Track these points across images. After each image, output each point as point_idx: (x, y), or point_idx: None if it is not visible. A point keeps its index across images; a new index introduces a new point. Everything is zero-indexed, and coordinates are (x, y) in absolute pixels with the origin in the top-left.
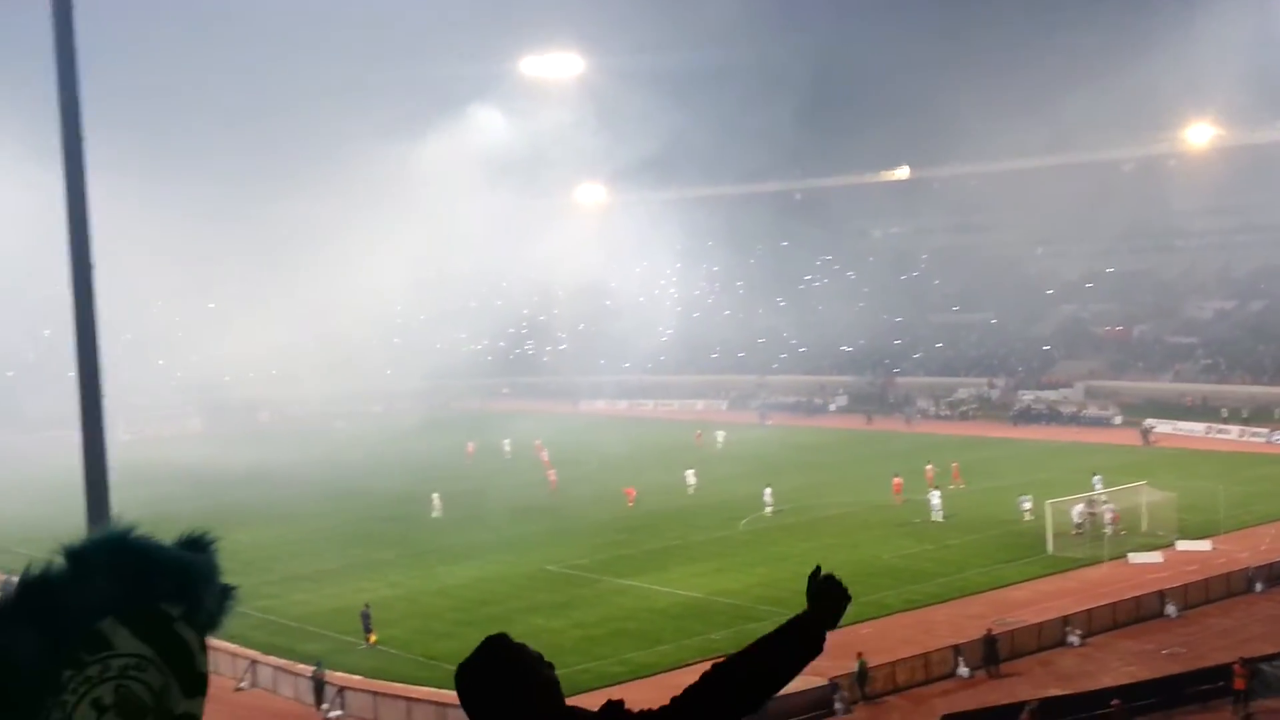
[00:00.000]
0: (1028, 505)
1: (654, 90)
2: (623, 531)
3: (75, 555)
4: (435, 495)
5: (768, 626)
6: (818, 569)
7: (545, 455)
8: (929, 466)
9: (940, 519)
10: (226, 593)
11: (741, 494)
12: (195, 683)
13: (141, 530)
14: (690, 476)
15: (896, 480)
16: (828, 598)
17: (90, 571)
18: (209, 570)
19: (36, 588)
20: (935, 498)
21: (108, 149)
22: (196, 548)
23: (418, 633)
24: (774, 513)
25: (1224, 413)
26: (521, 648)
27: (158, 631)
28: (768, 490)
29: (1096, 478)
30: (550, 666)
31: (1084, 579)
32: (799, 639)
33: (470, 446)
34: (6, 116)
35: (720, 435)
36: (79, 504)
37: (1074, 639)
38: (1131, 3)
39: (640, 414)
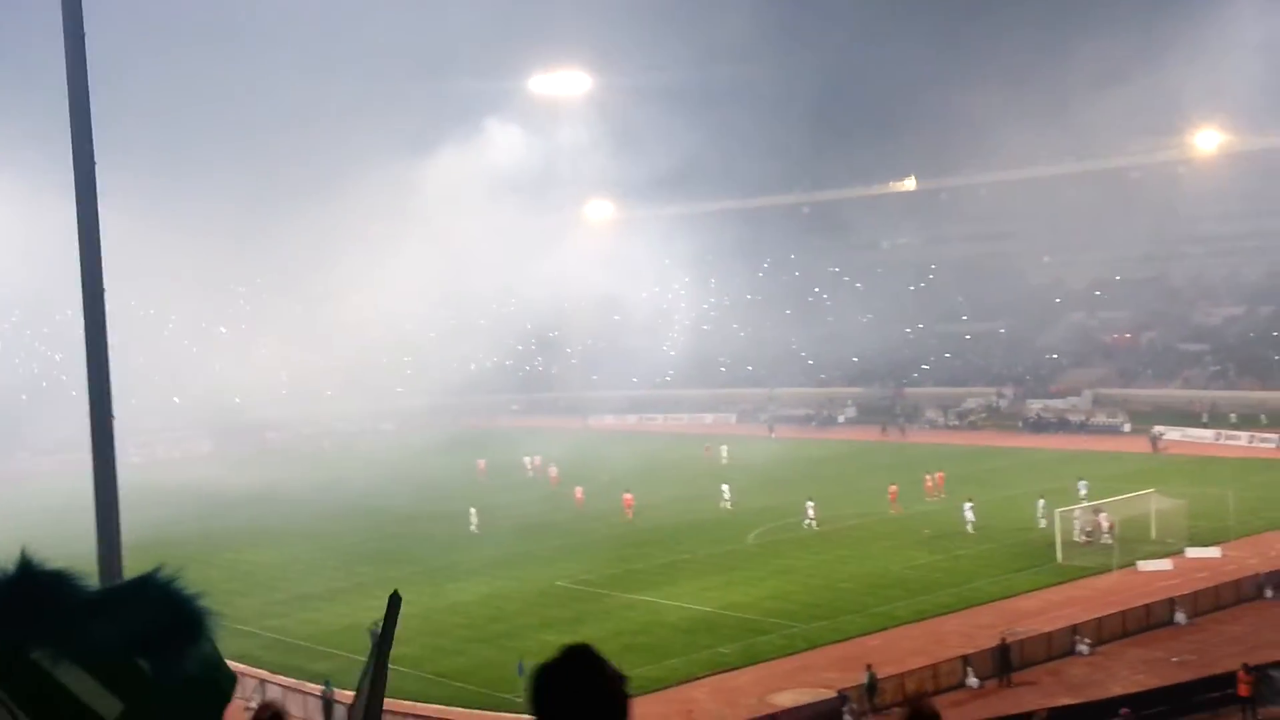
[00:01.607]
0: (970, 515)
1: (662, 106)
2: (632, 546)
3: None
4: (473, 510)
5: (777, 640)
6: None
7: (554, 472)
8: (928, 477)
9: (971, 530)
10: (171, 630)
11: (750, 507)
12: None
13: (63, 570)
14: (726, 491)
15: (892, 488)
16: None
17: None
18: (107, 606)
19: None
20: (969, 510)
21: (119, 173)
22: (136, 585)
23: (428, 650)
24: (814, 526)
25: (1233, 418)
26: (606, 661)
27: (10, 668)
28: (810, 504)
29: (1082, 483)
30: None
31: (1094, 587)
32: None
33: (481, 464)
34: (19, 144)
35: (724, 449)
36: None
37: (1083, 648)
38: (1139, 10)
39: (649, 429)
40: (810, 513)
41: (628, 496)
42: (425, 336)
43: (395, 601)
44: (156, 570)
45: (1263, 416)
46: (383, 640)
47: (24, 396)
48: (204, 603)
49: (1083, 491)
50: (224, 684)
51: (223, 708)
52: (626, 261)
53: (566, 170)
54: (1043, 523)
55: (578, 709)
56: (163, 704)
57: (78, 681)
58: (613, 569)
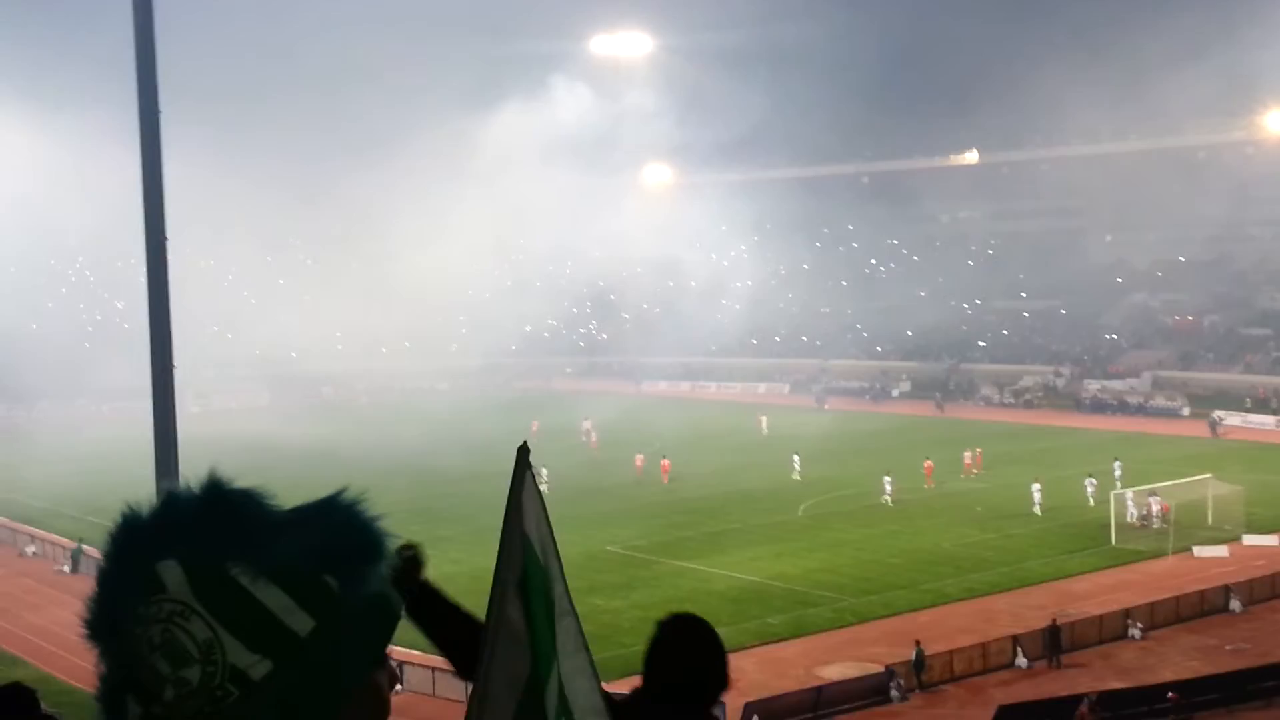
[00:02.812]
0: (1039, 498)
1: (722, 71)
2: (681, 513)
3: (166, 497)
4: (543, 469)
5: (826, 612)
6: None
7: (594, 437)
8: (966, 454)
9: (1039, 512)
10: (354, 553)
11: (802, 479)
12: (277, 642)
13: (239, 484)
14: (797, 461)
15: (928, 464)
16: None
17: (170, 514)
18: (293, 527)
19: (124, 525)
20: (1036, 490)
21: (183, 124)
22: (321, 507)
23: (478, 610)
24: (890, 502)
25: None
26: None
27: (212, 583)
28: (887, 478)
29: (1116, 463)
30: None
31: (1147, 571)
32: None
33: (535, 425)
34: (86, 89)
35: (764, 420)
36: (148, 473)
37: (1135, 632)
38: None
39: (702, 396)
40: (888, 487)
41: (665, 462)
42: (481, 296)
43: (523, 453)
44: (342, 491)
45: None
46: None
47: (87, 345)
48: (384, 525)
49: (1117, 473)
50: (396, 605)
51: (394, 628)
52: (683, 227)
53: (626, 133)
54: (1092, 502)
55: (693, 671)
56: (348, 621)
57: (273, 598)
58: (662, 536)
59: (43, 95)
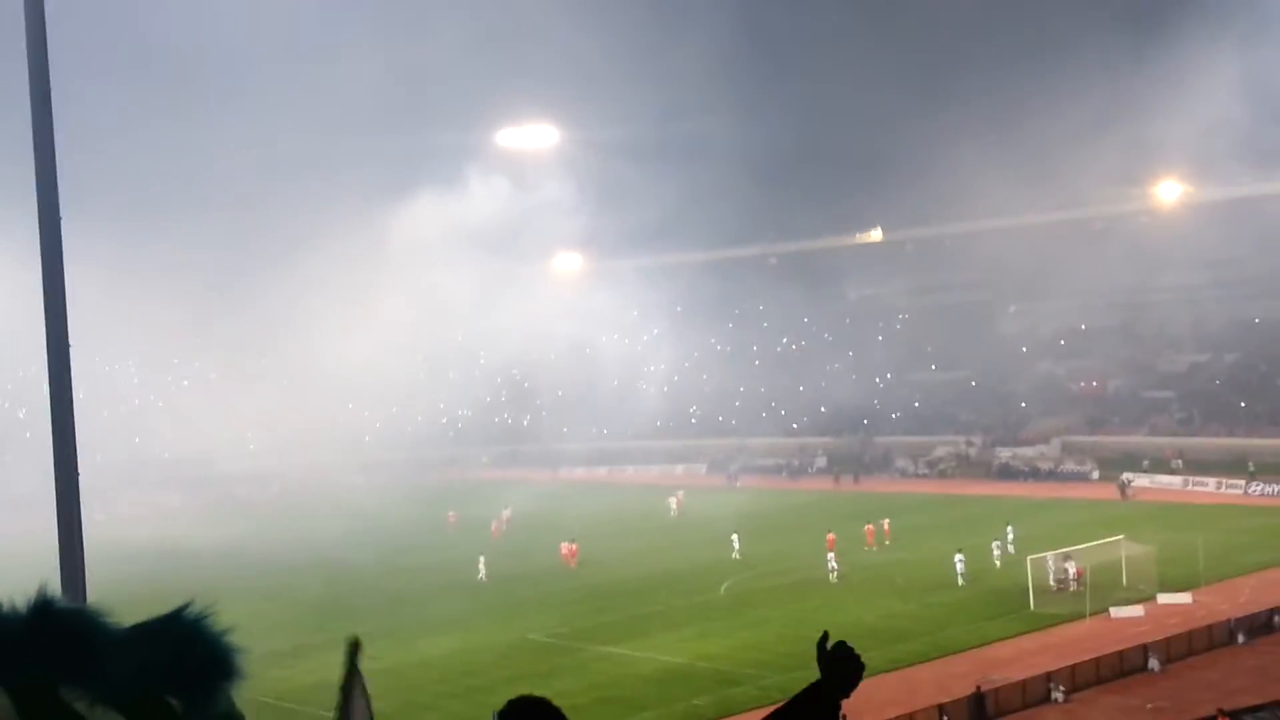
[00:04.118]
0: (961, 568)
1: (627, 160)
2: (604, 597)
3: None
4: (481, 558)
5: (751, 691)
6: (825, 635)
7: (494, 526)
8: (869, 526)
9: (962, 582)
10: (201, 667)
11: (722, 557)
12: None
13: (85, 606)
14: (736, 541)
15: (830, 537)
16: (841, 665)
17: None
18: (135, 645)
19: None
20: (959, 561)
21: (84, 231)
22: (166, 621)
23: (401, 706)
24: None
25: (1176, 464)
26: (557, 710)
27: (41, 711)
28: (831, 555)
29: (1009, 527)
30: None
31: (1066, 635)
32: (814, 710)
33: (452, 516)
34: None
35: (672, 501)
36: (54, 583)
37: (1058, 695)
38: (1099, 62)
39: (620, 480)
40: (832, 563)
41: (572, 546)
42: (395, 389)
43: (353, 649)
44: (186, 606)
45: (1240, 462)
46: (346, 687)
47: None
48: (232, 639)
49: (1010, 536)
50: None
51: None
52: (596, 313)
53: (535, 222)
54: (998, 564)
55: None
56: None
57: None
58: (585, 621)
59: None
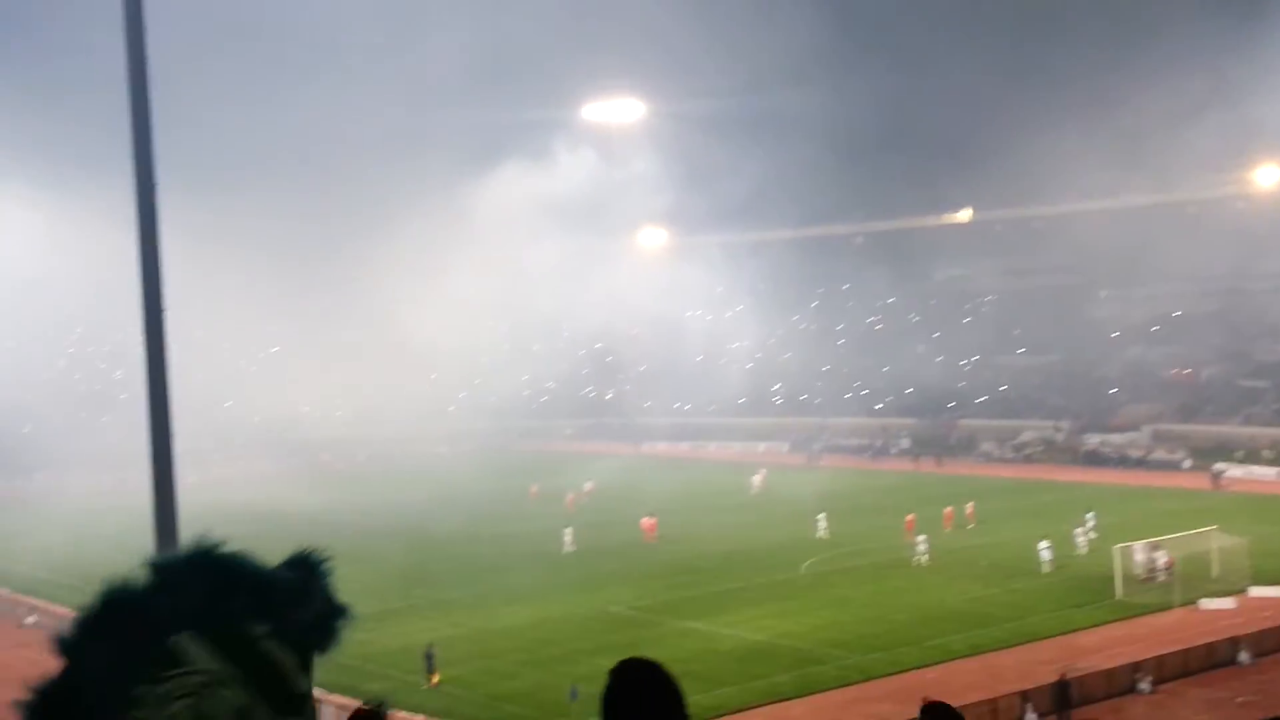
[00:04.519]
0: (1047, 555)
1: (717, 134)
2: (685, 573)
3: (157, 568)
4: (568, 530)
5: (832, 670)
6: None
7: (570, 497)
8: (949, 509)
9: (1048, 570)
10: (334, 612)
11: (803, 536)
12: (291, 703)
13: (229, 547)
14: (822, 521)
15: (909, 518)
16: None
17: (171, 584)
18: (301, 588)
19: (117, 600)
20: (1044, 548)
21: (180, 196)
22: (301, 567)
23: (481, 673)
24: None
25: (1271, 455)
26: (667, 674)
27: (238, 648)
28: (921, 537)
29: (1090, 514)
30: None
31: (1153, 625)
32: None
33: (534, 488)
34: (83, 171)
35: (755, 478)
36: (148, 542)
37: (1144, 686)
38: (1199, 42)
39: (702, 456)
40: (921, 546)
41: (650, 521)
42: (481, 359)
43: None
44: (311, 551)
45: None
46: None
47: (84, 415)
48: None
49: (1091, 523)
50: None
51: None
52: (680, 288)
53: (621, 197)
54: (1085, 552)
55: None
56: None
57: (287, 659)
58: (665, 595)
59: (42, 170)
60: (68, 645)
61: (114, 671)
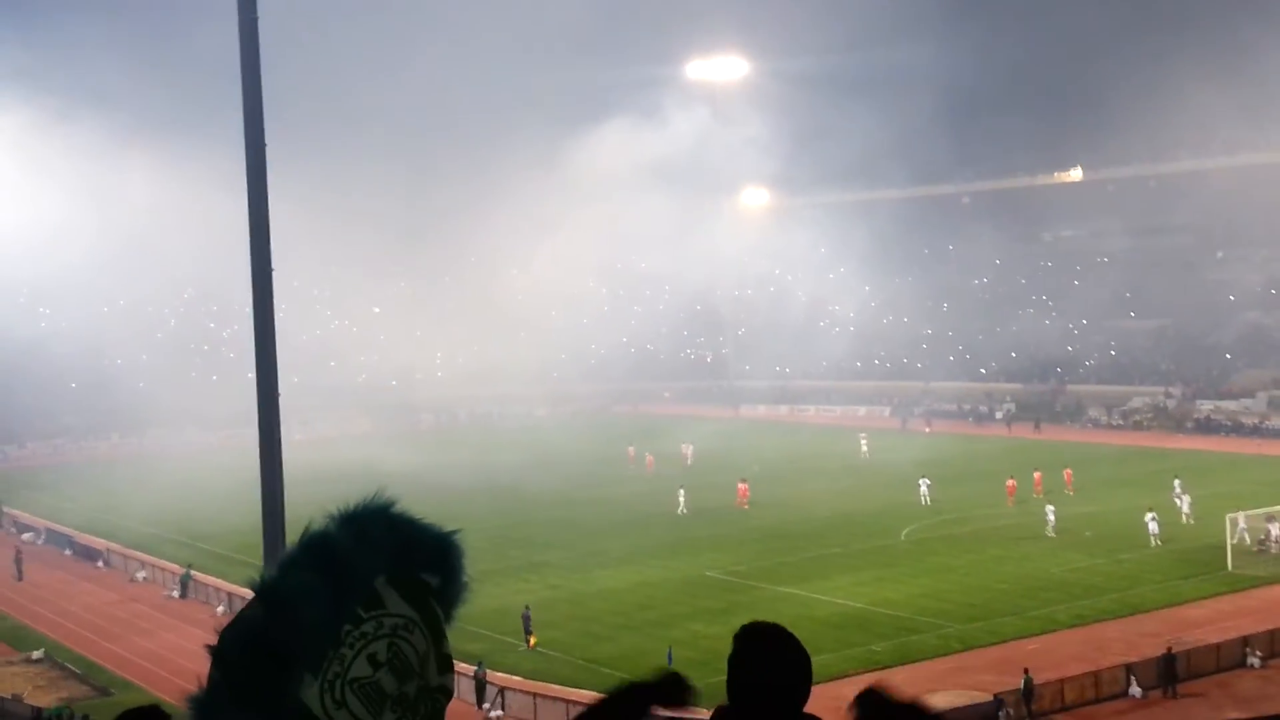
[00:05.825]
0: (1154, 527)
1: (817, 93)
2: (781, 539)
3: (351, 519)
4: (681, 490)
5: (931, 640)
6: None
7: (650, 459)
8: (1037, 474)
9: (1156, 544)
10: (464, 582)
11: (903, 501)
12: (447, 659)
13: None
14: (924, 486)
15: (1010, 483)
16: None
17: (366, 535)
18: (461, 551)
19: (319, 544)
20: (1151, 520)
21: (286, 158)
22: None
23: (578, 635)
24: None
25: None
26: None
27: (422, 599)
28: (1050, 507)
29: (1177, 480)
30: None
31: (1266, 598)
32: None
33: (631, 451)
34: (194, 133)
35: (863, 442)
36: (255, 498)
37: (1254, 661)
38: None
39: (801, 419)
40: (1051, 518)
41: (743, 486)
42: (580, 320)
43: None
44: (455, 531)
45: None
46: None
47: (193, 374)
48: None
49: (1177, 489)
50: None
51: None
52: (783, 250)
53: (723, 156)
54: (1188, 520)
55: (777, 681)
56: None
57: (441, 617)
58: (762, 561)
59: (153, 132)
60: (277, 586)
61: (327, 611)
